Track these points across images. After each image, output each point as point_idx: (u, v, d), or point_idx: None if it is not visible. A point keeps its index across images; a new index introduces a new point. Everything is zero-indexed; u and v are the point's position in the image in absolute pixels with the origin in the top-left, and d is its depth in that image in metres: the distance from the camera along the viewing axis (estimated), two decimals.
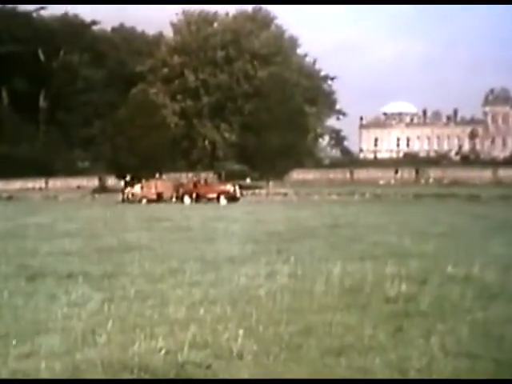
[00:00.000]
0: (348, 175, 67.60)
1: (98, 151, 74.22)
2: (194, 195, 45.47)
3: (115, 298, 8.00)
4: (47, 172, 72.09)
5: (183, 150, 73.75)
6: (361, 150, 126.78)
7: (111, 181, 66.64)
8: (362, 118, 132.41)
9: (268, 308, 7.32)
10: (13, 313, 7.35)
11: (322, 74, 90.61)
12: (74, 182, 71.85)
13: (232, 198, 44.33)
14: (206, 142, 75.34)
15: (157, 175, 52.55)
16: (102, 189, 63.57)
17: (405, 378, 5.18)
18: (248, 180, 64.13)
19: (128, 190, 49.86)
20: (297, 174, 67.31)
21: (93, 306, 7.57)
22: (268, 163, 58.72)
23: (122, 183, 52.29)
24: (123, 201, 47.79)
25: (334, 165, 79.46)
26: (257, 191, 54.78)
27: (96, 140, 77.07)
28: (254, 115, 64.15)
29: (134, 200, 47.28)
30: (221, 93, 74.83)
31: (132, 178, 51.68)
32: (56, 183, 72.61)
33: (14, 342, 6.05)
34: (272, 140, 58.44)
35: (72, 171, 74.48)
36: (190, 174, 55.26)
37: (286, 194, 52.05)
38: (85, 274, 9.90)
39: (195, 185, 47.54)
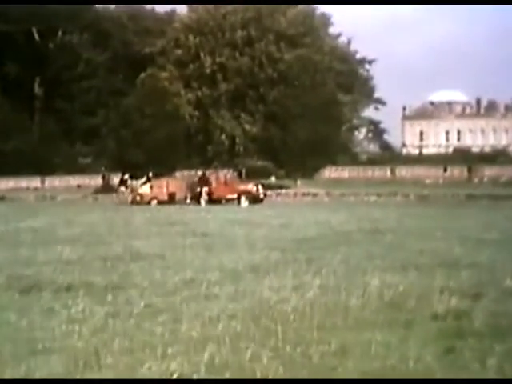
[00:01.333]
0: (389, 173, 67.25)
1: (102, 145, 74.66)
2: (207, 193, 45.68)
3: (121, 314, 8.04)
4: (43, 169, 72.44)
5: (198, 144, 74.05)
6: (404, 145, 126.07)
7: (117, 179, 67.00)
8: (404, 108, 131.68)
9: (296, 325, 7.32)
10: (4, 330, 7.41)
11: (359, 56, 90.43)
12: (74, 180, 72.23)
13: (254, 199, 44.34)
14: (224, 136, 75.53)
15: (149, 173, 52.56)
16: (106, 188, 63.79)
17: (405, 378, 5.39)
18: (273, 179, 64.01)
19: (122, 188, 50.14)
20: (329, 172, 67.10)
21: (96, 323, 7.61)
22: (296, 159, 58.74)
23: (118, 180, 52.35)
24: (132, 202, 48.06)
25: (373, 161, 78.96)
26: (283, 191, 54.66)
27: (99, 132, 77.44)
28: (279, 104, 64.25)
29: (143, 201, 47.47)
30: (241, 79, 75.00)
31: (131, 176, 51.71)
32: (54, 182, 73.05)
33: (5, 364, 6.09)
34: (300, 133, 58.46)
35: (72, 168, 74.77)
36: (208, 172, 55.30)
37: (316, 195, 51.90)
38: (86, 286, 9.96)
39: (204, 180, 47.70)
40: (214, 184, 46.92)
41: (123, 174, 53.88)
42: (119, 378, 5.54)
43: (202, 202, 45.38)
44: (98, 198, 57.67)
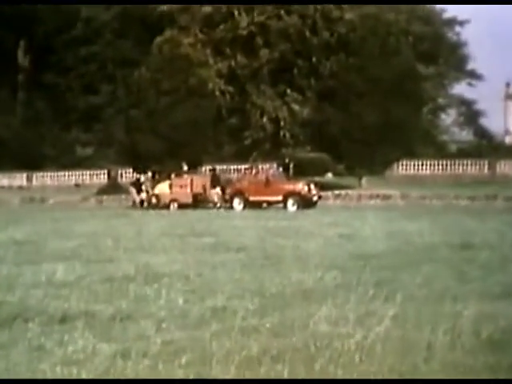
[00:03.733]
0: (486, 169, 66.71)
1: (107, 131, 75.08)
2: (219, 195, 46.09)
3: (133, 352, 8.06)
4: (30, 163, 73.00)
5: (232, 129, 74.11)
6: (507, 132, 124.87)
7: (126, 175, 67.40)
8: (508, 84, 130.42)
9: (362, 368, 7.30)
10: None
11: (446, 16, 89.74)
12: (70, 177, 72.80)
13: (305, 203, 44.30)
14: (266, 119, 75.50)
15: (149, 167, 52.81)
16: (113, 187, 64.22)
17: (405, 378, 6.04)
18: (329, 175, 63.87)
19: (132, 190, 50.70)
20: (405, 167, 66.72)
21: (99, 365, 7.65)
22: (360, 150, 58.42)
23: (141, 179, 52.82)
24: (139, 205, 48.50)
25: (465, 153, 78.30)
26: (343, 192, 54.55)
27: (103, 115, 77.90)
28: (338, 78, 63.92)
29: (160, 204, 47.74)
30: (288, 44, 74.83)
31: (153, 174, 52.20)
32: (44, 179, 73.65)
33: None
34: (366, 115, 58.10)
35: (68, 161, 75.26)
36: (244, 166, 55.33)
37: (388, 197, 51.73)
38: (87, 316, 10.02)
39: (215, 178, 48.01)
40: (249, 183, 46.99)
41: (138, 172, 54.30)
42: (118, 378, 5.93)
43: (237, 205, 45.49)
44: (102, 201, 58.11)
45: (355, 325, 9.15)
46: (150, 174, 52.11)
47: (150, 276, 13.70)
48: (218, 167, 63.49)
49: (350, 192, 54.89)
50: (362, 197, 53.05)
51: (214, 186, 47.60)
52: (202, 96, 63.69)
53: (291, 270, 14.37)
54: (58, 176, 73.27)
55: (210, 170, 51.80)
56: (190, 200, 47.79)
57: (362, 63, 60.62)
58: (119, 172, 69.06)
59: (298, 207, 43.64)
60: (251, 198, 45.68)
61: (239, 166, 64.89)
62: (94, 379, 6.31)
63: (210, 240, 21.36)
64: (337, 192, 54.12)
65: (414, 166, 67.32)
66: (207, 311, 10.27)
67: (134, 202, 50.69)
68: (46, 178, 73.68)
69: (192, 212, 42.07)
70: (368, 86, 59.12)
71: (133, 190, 51.49)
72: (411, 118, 62.02)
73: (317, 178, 52.69)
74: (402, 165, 66.69)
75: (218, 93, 72.79)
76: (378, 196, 52.39)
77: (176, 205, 47.41)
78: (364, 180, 59.17)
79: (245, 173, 52.62)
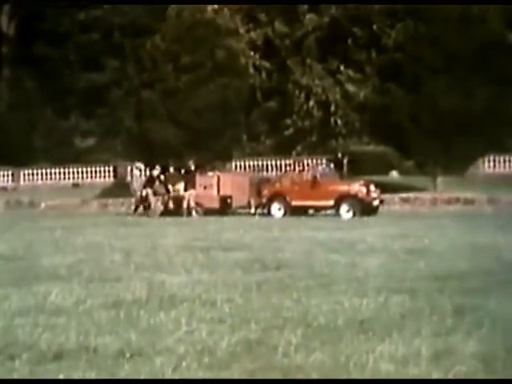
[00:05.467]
0: None
1: (113, 118, 75.34)
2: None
3: None
4: (17, 157, 73.38)
5: (270, 116, 74.11)
6: None
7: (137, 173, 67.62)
8: None
9: None
10: None
11: None
12: (67, 175, 73.12)
13: (364, 208, 44.30)
14: (313, 102, 75.41)
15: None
16: (120, 188, 64.41)
17: (405, 378, 6.70)
18: (394, 174, 63.78)
19: (148, 193, 50.50)
20: (493, 165, 66.43)
21: None
22: (434, 143, 58.37)
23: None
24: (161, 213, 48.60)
25: None
26: (412, 195, 54.50)
27: (108, 96, 78.14)
28: (406, 51, 63.78)
29: (179, 210, 47.87)
30: (340, 8, 74.71)
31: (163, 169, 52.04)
32: (34, 178, 74.08)
33: None
34: (442, 98, 58.00)
35: (64, 155, 75.58)
36: (285, 162, 55.26)
37: (471, 202, 51.61)
38: (88, 352, 10.01)
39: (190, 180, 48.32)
40: (292, 183, 47.07)
41: (150, 168, 54.40)
42: (119, 378, 6.67)
43: (276, 211, 45.50)
44: (106, 205, 58.36)
45: (429, 364, 9.09)
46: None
47: (166, 300, 13.70)
48: (252, 163, 63.82)
49: (421, 195, 54.87)
50: (437, 201, 53.02)
51: (188, 188, 47.82)
52: (232, 73, 63.86)
53: (345, 293, 14.33)
54: (51, 174, 73.70)
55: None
56: (216, 204, 47.84)
57: (437, 33, 60.44)
58: (128, 168, 69.22)
59: (354, 214, 43.67)
60: (294, 203, 45.73)
61: (279, 162, 65.04)
62: (94, 379, 6.95)
63: (242, 255, 21.37)
64: (404, 195, 54.12)
65: (505, 162, 66.91)
66: (238, 346, 10.23)
67: (148, 206, 50.24)
68: (36, 177, 74.07)
69: (219, 219, 42.13)
70: (444, 61, 59.00)
71: (150, 195, 50.95)
72: (500, 102, 61.74)
73: (378, 178, 52.59)
74: (489, 161, 66.43)
75: (251, 69, 72.81)
76: (457, 200, 52.31)
77: (199, 210, 47.52)
78: (439, 180, 58.98)
79: (286, 170, 52.67)
